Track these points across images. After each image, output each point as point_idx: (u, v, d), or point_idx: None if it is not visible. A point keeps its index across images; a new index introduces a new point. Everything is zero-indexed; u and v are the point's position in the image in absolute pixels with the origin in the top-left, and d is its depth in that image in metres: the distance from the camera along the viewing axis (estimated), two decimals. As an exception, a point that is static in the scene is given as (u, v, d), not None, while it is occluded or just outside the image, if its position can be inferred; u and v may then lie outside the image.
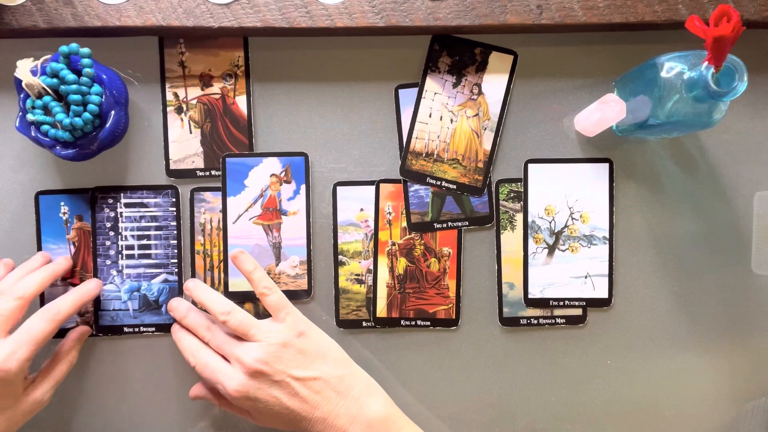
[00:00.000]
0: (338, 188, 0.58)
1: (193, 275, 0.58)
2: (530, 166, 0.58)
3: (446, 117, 0.58)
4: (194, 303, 0.56)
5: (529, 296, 0.58)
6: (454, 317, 0.58)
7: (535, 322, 0.59)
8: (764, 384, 0.60)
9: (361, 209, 0.58)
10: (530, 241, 0.58)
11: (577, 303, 0.59)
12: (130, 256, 0.58)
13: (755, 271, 0.58)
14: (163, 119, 0.57)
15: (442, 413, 0.59)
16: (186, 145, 0.57)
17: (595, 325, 0.59)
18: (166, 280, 0.58)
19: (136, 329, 0.58)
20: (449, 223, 0.58)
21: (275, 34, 0.56)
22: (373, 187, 0.58)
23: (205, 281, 0.58)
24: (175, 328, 0.56)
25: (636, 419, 0.60)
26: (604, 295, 0.59)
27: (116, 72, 0.55)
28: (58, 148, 0.52)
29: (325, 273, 0.58)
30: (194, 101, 0.57)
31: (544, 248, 0.58)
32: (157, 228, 0.58)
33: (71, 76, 0.50)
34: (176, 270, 0.58)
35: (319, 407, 0.51)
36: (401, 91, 0.58)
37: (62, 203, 0.57)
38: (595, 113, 0.54)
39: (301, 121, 0.58)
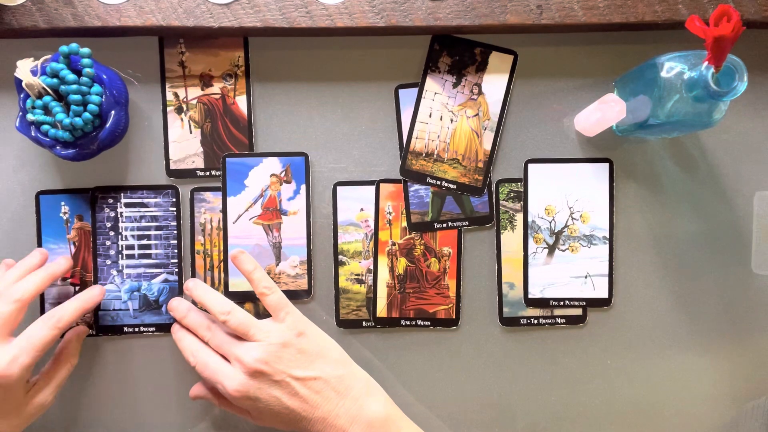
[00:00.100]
0: (338, 188, 0.58)
1: (193, 275, 0.58)
2: (530, 166, 0.58)
3: (446, 117, 0.58)
4: (194, 303, 0.57)
5: (529, 296, 0.58)
6: (454, 317, 0.58)
7: (535, 322, 0.59)
8: (764, 384, 0.60)
9: (361, 209, 0.58)
10: (530, 241, 0.58)
11: (577, 303, 0.59)
12: (130, 256, 0.58)
13: (755, 271, 0.58)
14: (163, 119, 0.57)
15: (442, 413, 0.59)
16: (186, 145, 0.57)
17: (595, 325, 0.59)
18: (166, 280, 0.58)
19: (136, 329, 0.58)
20: (449, 223, 0.58)
21: (275, 34, 0.56)
22: (373, 187, 0.58)
23: (205, 281, 0.58)
24: (175, 327, 0.56)
25: (636, 419, 0.60)
26: (604, 295, 0.59)
27: (116, 72, 0.55)
28: (58, 148, 0.52)
29: (325, 273, 0.58)
30: (194, 101, 0.57)
31: (544, 248, 0.58)
32: (158, 228, 0.58)
33: (71, 76, 0.50)
34: (176, 270, 0.58)
35: (319, 407, 0.51)
36: (401, 91, 0.58)
37: (62, 203, 0.57)
38: (595, 113, 0.54)
39: (301, 121, 0.58)
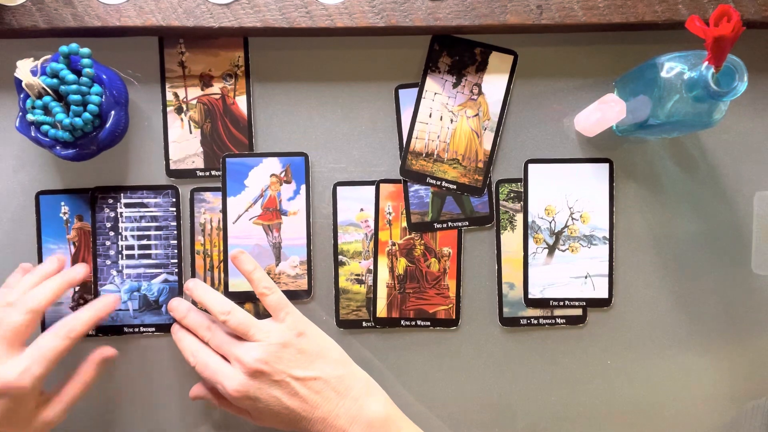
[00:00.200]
0: (338, 188, 0.58)
1: (193, 275, 0.58)
2: (530, 166, 0.58)
3: (446, 117, 0.58)
4: (194, 303, 0.57)
5: (529, 296, 0.58)
6: (454, 317, 0.58)
7: (535, 322, 0.59)
8: (764, 384, 0.60)
9: (361, 209, 0.58)
10: (530, 241, 0.58)
11: (577, 303, 0.59)
12: (130, 256, 0.58)
13: (755, 271, 0.58)
14: (163, 119, 0.57)
15: (442, 413, 0.59)
16: (186, 145, 0.57)
17: (595, 325, 0.59)
18: (166, 280, 0.58)
19: (136, 329, 0.58)
20: (449, 223, 0.58)
21: (275, 34, 0.56)
22: (373, 187, 0.58)
23: (205, 281, 0.58)
24: (175, 328, 0.56)
25: (636, 419, 0.60)
26: (604, 295, 0.59)
27: (116, 72, 0.55)
28: (58, 148, 0.52)
29: (325, 273, 0.58)
30: (194, 101, 0.57)
31: (544, 248, 0.58)
32: (157, 228, 0.58)
33: (71, 76, 0.50)
34: (176, 270, 0.58)
35: (318, 407, 0.51)
36: (401, 91, 0.58)
37: (62, 203, 0.57)
38: (595, 113, 0.54)
39: (301, 121, 0.58)
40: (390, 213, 0.58)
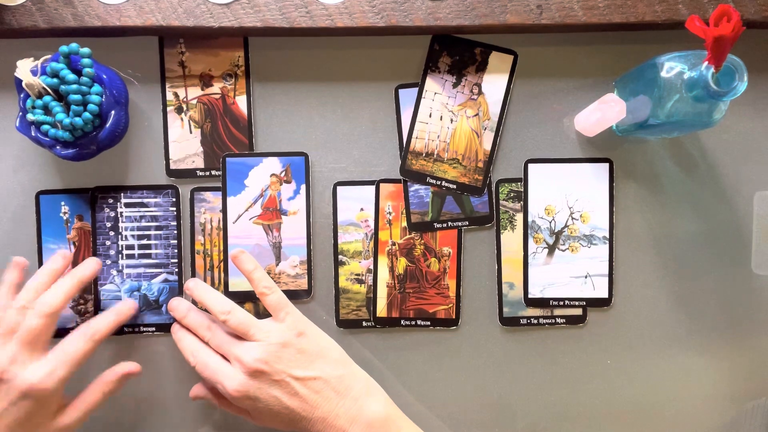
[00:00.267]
0: (338, 188, 0.58)
1: (193, 275, 0.58)
2: (530, 166, 0.58)
3: (446, 117, 0.58)
4: (194, 303, 0.57)
5: (529, 296, 0.58)
6: (454, 317, 0.58)
7: (535, 322, 0.59)
8: (764, 384, 0.60)
9: (361, 209, 0.58)
10: (530, 241, 0.58)
11: (577, 303, 0.59)
12: (130, 256, 0.58)
13: (755, 271, 0.58)
14: (163, 119, 0.57)
15: (442, 413, 0.59)
16: (186, 145, 0.57)
17: (595, 325, 0.59)
18: (166, 280, 0.58)
19: (136, 329, 0.58)
20: (449, 223, 0.58)
21: (275, 34, 0.56)
22: (373, 187, 0.58)
23: (205, 281, 0.58)
24: (175, 327, 0.56)
25: (636, 419, 0.60)
26: (604, 295, 0.59)
27: (116, 72, 0.55)
28: (58, 148, 0.52)
29: (325, 273, 0.58)
30: (194, 101, 0.57)
31: (544, 248, 0.58)
32: (157, 228, 0.58)
33: (71, 76, 0.50)
34: (176, 270, 0.58)
35: (318, 407, 0.51)
36: (401, 91, 0.58)
37: (62, 203, 0.57)
38: (595, 113, 0.54)
39: (301, 121, 0.58)
40: (390, 213, 0.58)
